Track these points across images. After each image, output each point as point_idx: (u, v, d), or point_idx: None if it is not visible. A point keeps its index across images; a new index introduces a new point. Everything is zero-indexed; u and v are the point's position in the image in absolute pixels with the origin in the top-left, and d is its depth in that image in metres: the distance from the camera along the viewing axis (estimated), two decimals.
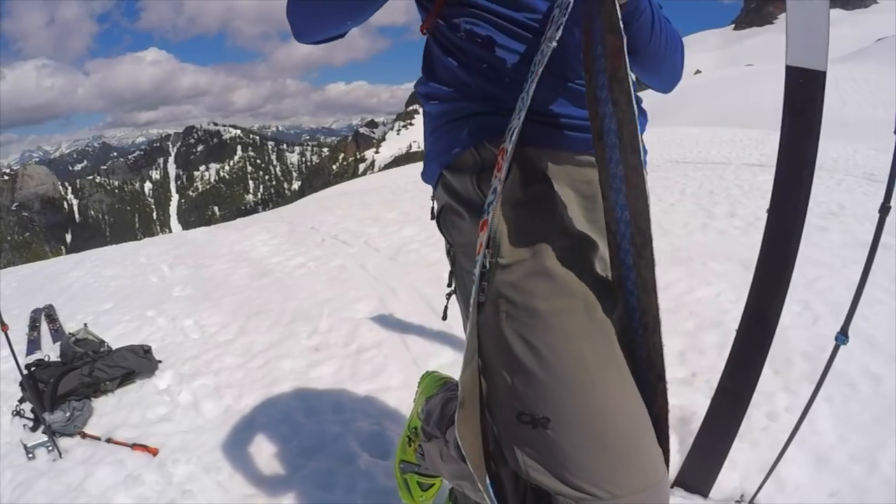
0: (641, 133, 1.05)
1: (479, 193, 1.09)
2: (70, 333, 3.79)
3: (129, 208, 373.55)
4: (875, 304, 3.18)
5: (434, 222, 1.25)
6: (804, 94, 1.48)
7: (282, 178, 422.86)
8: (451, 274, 1.23)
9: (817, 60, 1.43)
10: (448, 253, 1.22)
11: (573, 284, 1.02)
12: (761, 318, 1.65)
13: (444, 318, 1.32)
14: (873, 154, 8.87)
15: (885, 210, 1.43)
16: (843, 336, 1.56)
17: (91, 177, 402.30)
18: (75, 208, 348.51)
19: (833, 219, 5.11)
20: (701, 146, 12.84)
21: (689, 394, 2.46)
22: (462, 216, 1.14)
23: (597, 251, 1.09)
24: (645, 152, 1.16)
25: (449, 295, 1.26)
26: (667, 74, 1.19)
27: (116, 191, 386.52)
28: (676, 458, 2.04)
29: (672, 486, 1.95)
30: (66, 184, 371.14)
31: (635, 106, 0.91)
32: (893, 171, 1.40)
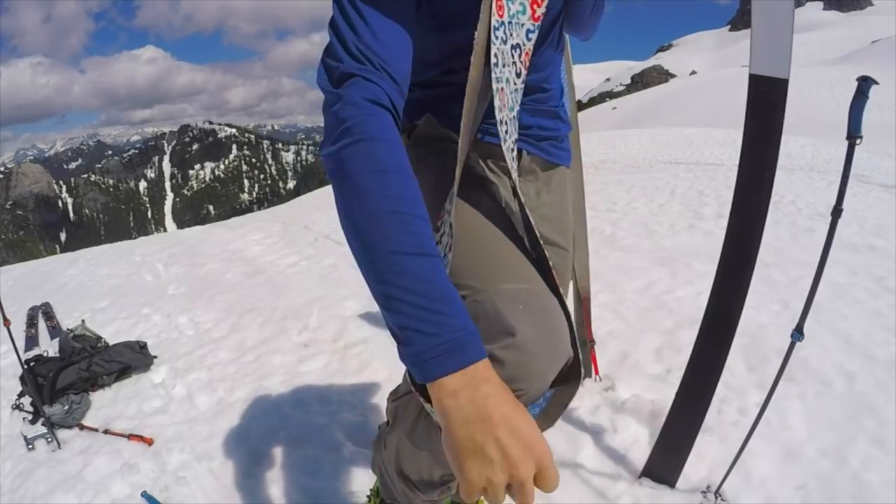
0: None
1: None
2: (68, 329, 3.86)
3: (123, 207, 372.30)
4: (855, 304, 3.24)
5: None
6: (767, 102, 1.52)
7: (277, 178, 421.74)
8: None
9: (780, 69, 1.48)
10: None
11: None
12: (723, 315, 1.71)
13: None
14: (866, 156, 8.91)
15: (836, 213, 1.50)
16: (798, 333, 1.62)
17: (86, 175, 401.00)
18: (70, 207, 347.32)
19: (820, 220, 5.13)
20: (694, 147, 12.85)
21: (663, 389, 2.51)
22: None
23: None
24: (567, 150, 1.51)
25: None
26: (591, 31, 1.49)
27: (111, 189, 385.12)
28: (646, 451, 2.11)
29: (640, 477, 2.02)
30: (61, 182, 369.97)
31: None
32: (845, 176, 1.47)
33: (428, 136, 1.33)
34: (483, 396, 0.77)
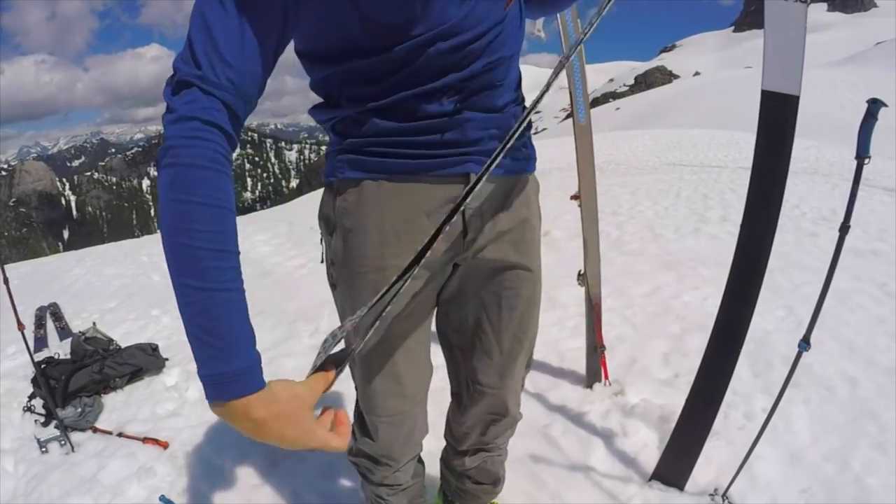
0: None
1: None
2: (80, 332, 3.89)
3: (126, 205, 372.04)
4: (858, 311, 3.27)
5: None
6: (778, 118, 1.55)
7: (280, 176, 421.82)
8: None
9: (791, 85, 1.51)
10: None
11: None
12: (732, 326, 1.75)
13: None
14: (869, 159, 8.82)
15: (844, 229, 1.53)
16: (804, 343, 1.65)
17: (89, 173, 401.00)
18: (73, 205, 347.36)
19: (824, 224, 5.15)
20: (698, 149, 12.87)
21: (671, 394, 2.56)
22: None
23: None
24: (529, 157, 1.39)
25: None
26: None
27: (114, 187, 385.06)
28: (655, 454, 2.16)
29: (650, 480, 2.07)
30: (64, 180, 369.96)
31: None
32: (853, 195, 1.50)
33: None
34: (244, 427, 0.83)
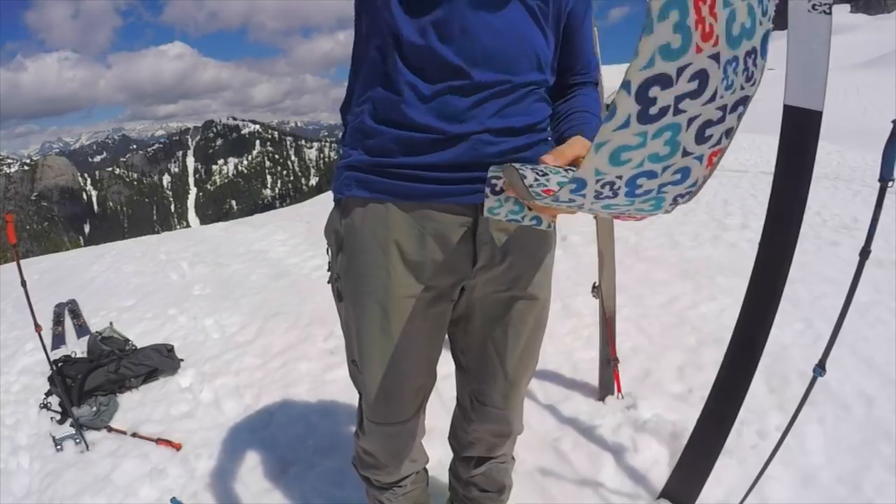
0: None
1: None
2: (97, 332, 3.93)
3: (147, 200, 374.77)
4: (878, 325, 3.20)
5: None
6: (800, 133, 1.53)
7: (300, 174, 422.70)
8: None
9: (814, 101, 1.49)
10: None
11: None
12: (748, 345, 1.73)
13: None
14: (893, 182, 8.60)
15: (864, 254, 1.50)
16: (819, 369, 1.62)
17: (110, 169, 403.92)
18: (94, 199, 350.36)
19: (846, 233, 5.04)
20: None
21: (685, 409, 2.52)
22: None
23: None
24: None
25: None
26: None
27: (135, 183, 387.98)
28: (665, 471, 2.14)
29: (658, 497, 2.05)
30: (86, 175, 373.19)
31: None
32: (875, 219, 1.47)
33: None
34: None
